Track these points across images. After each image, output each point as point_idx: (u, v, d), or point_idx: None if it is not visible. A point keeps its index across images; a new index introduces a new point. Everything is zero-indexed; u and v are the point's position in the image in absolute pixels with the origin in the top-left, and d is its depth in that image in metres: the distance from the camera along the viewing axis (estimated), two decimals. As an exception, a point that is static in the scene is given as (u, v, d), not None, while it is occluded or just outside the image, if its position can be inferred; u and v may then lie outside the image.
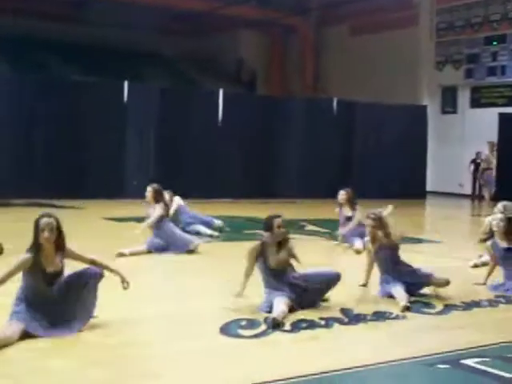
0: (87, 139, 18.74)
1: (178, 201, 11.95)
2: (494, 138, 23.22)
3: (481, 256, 9.44)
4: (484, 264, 9.17)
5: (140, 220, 12.35)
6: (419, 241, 12.43)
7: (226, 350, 5.18)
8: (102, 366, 4.74)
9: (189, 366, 4.81)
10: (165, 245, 9.76)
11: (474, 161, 23.94)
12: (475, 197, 23.79)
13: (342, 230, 11.13)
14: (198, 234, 11.67)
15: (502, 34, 23.99)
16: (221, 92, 20.94)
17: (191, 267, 8.83)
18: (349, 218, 11.22)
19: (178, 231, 10.12)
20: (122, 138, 19.30)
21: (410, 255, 10.70)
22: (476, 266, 9.29)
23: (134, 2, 26.21)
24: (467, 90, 25.24)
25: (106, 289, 7.38)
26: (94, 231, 11.91)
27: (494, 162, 23.91)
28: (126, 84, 19.42)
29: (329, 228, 12.90)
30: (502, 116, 22.62)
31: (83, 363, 4.76)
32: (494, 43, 24.22)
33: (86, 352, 5.02)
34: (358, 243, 10.20)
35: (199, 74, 29.30)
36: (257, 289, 6.59)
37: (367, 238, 7.51)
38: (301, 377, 4.58)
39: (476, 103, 25.00)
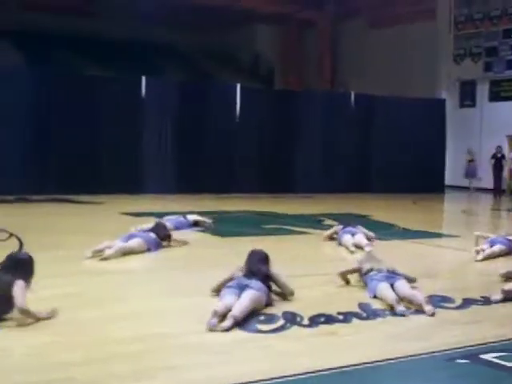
0: (105, 134, 18.81)
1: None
2: (514, 131, 23.07)
3: (483, 249, 9.42)
4: (488, 257, 9.18)
5: (157, 215, 12.42)
6: (438, 235, 12.37)
7: (246, 344, 5.17)
8: (121, 359, 4.75)
9: (211, 359, 4.81)
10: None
11: (494, 155, 23.83)
12: (497, 191, 23.66)
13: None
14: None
15: (522, 26, 23.81)
16: (238, 87, 20.92)
17: (209, 261, 8.83)
18: None
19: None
20: (139, 133, 19.35)
21: (429, 249, 10.66)
22: (478, 257, 9.26)
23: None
24: (486, 84, 25.07)
25: (121, 284, 7.42)
26: (111, 226, 11.91)
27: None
28: (143, 79, 19.46)
29: (341, 220, 12.81)
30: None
31: (102, 357, 4.76)
32: (514, 36, 24.03)
33: (105, 346, 5.02)
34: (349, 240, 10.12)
35: (216, 69, 29.33)
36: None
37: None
38: (321, 371, 4.57)
39: (495, 97, 24.82)
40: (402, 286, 6.61)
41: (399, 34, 27.11)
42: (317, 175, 21.70)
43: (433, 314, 6.06)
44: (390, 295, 6.36)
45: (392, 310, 6.17)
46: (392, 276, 6.78)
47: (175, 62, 28.83)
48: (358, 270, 7.26)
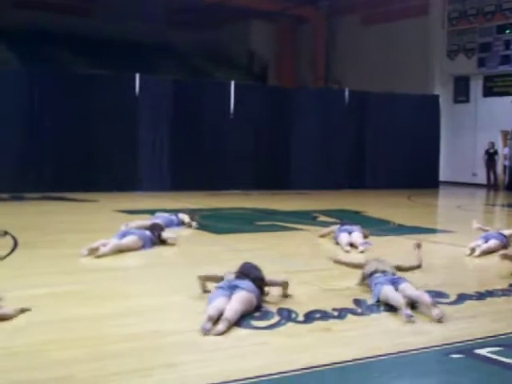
0: (99, 132, 18.78)
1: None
2: (507, 126, 23.14)
3: (478, 245, 9.46)
4: (485, 252, 9.23)
5: (151, 213, 12.43)
6: (433, 231, 12.41)
7: (241, 341, 5.19)
8: (119, 356, 4.76)
9: (207, 356, 4.82)
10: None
11: (487, 151, 23.92)
12: (490, 186, 23.75)
13: None
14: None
15: (515, 22, 23.85)
16: (232, 83, 20.92)
17: (205, 258, 8.84)
18: None
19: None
20: (134, 131, 19.32)
21: (424, 245, 10.71)
22: (475, 253, 9.32)
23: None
24: (480, 79, 25.11)
25: (118, 281, 7.44)
26: (106, 224, 11.92)
27: (507, 150, 23.90)
28: (137, 76, 19.44)
29: (342, 219, 12.84)
30: (515, 105, 22.52)
31: (101, 355, 4.78)
32: (507, 31, 24.08)
33: (104, 343, 5.04)
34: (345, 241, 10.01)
35: (211, 66, 29.31)
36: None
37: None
38: (317, 367, 4.60)
39: (489, 92, 24.87)
40: (407, 288, 6.26)
41: (393, 30, 27.13)
42: (311, 172, 21.72)
43: (440, 320, 5.74)
44: (398, 298, 6.01)
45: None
46: (396, 279, 6.49)
47: (170, 59, 28.79)
48: (360, 267, 7.09)
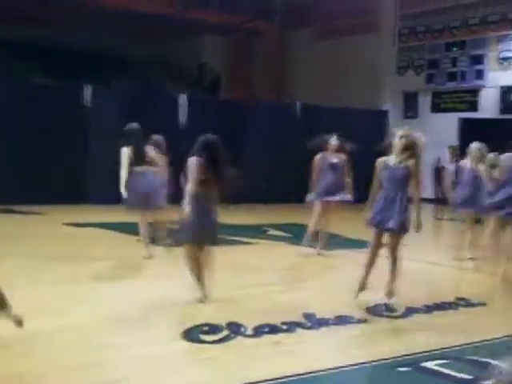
0: (48, 143, 18.49)
1: None
2: (455, 142, 23.52)
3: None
4: None
5: (101, 225, 12.27)
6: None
7: (189, 355, 5.16)
8: (68, 370, 4.68)
9: (154, 371, 4.76)
10: None
11: (435, 166, 24.27)
12: (439, 201, 24.07)
13: None
14: None
15: (462, 40, 24.31)
16: (183, 96, 20.86)
17: (153, 272, 8.77)
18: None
19: None
20: (84, 142, 19.06)
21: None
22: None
23: (96, 4, 25.94)
24: (428, 95, 25.51)
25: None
26: (54, 237, 11.74)
27: (452, 167, 24.26)
28: (87, 87, 19.24)
29: (292, 233, 12.92)
30: (462, 121, 22.93)
31: (55, 368, 4.69)
32: (455, 49, 24.54)
33: (58, 357, 4.94)
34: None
35: (162, 78, 29.19)
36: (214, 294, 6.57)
37: None
38: (264, 381, 4.57)
39: (437, 108, 25.25)
40: None
41: (344, 45, 27.37)
42: (263, 185, 21.70)
43: None
44: None
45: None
46: None
47: (121, 70, 28.58)
48: None
